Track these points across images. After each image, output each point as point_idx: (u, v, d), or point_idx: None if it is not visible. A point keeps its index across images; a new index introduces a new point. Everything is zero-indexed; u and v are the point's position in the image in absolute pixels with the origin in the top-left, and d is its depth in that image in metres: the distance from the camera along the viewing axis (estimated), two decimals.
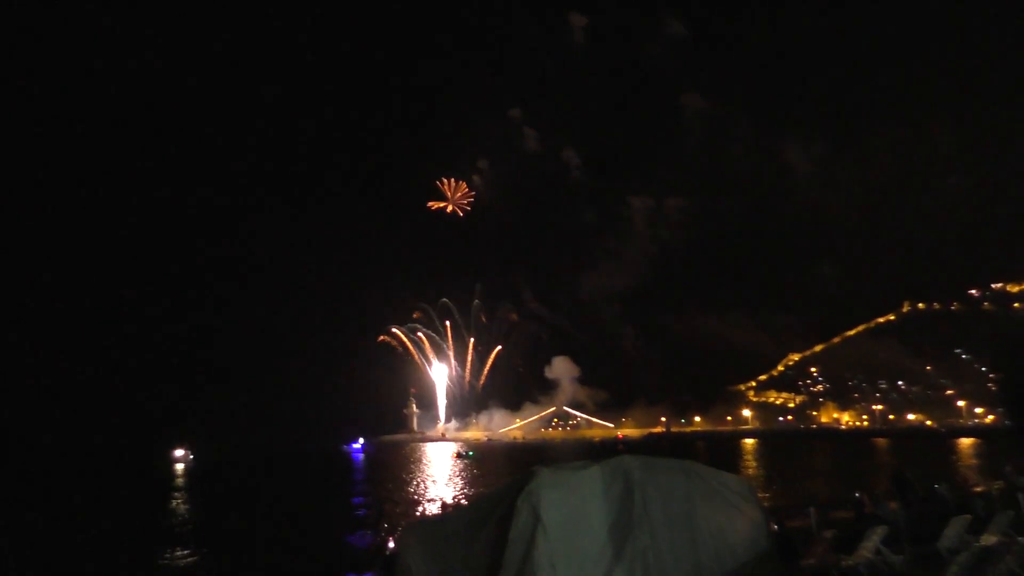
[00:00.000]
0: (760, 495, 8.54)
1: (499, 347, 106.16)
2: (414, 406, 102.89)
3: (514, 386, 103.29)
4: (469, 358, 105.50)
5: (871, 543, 8.17)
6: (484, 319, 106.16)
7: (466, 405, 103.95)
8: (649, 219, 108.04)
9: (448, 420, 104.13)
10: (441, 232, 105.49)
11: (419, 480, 37.39)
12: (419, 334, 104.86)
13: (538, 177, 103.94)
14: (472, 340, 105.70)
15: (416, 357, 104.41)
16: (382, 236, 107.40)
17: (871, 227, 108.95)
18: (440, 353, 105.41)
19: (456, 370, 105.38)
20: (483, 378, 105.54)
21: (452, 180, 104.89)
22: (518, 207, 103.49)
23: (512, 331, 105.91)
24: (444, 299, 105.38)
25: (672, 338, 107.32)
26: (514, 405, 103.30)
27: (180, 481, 51.61)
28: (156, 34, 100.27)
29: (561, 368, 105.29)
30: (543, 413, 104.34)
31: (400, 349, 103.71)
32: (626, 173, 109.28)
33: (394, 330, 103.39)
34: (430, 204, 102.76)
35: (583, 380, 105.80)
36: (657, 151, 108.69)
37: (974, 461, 41.28)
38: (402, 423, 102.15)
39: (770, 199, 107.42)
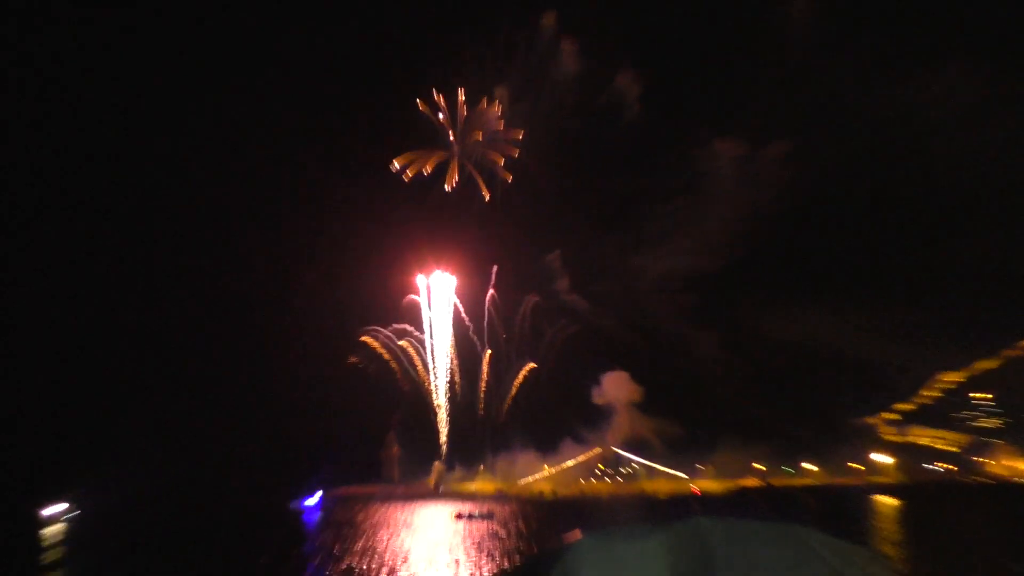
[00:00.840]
0: None
1: (531, 364, 79.74)
2: (395, 446, 77.11)
3: (545, 416, 75.11)
4: (483, 375, 79.69)
5: None
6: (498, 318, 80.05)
7: (475, 444, 76.50)
8: (738, 175, 78.77)
9: (448, 466, 78.15)
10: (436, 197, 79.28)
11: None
12: (405, 341, 79.24)
13: (580, 113, 76.95)
14: (489, 352, 79.94)
15: (397, 372, 78.45)
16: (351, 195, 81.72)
17: None
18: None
19: (462, 392, 78.93)
20: (506, 405, 78.75)
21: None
22: (550, 159, 75.78)
23: (546, 341, 79.37)
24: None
25: (768, 347, 77.49)
26: (547, 445, 76.39)
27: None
28: None
29: (615, 389, 78.19)
30: (583, 457, 77.56)
31: (380, 356, 78.81)
32: (707, 107, 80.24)
33: (374, 330, 78.80)
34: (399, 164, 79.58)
35: (645, 408, 77.60)
36: (752, 75, 78.87)
37: None
38: (377, 469, 76.25)
39: (909, 148, 75.84)
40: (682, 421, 76.53)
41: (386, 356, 77.37)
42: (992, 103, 75.83)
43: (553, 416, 74.72)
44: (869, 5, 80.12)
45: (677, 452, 76.70)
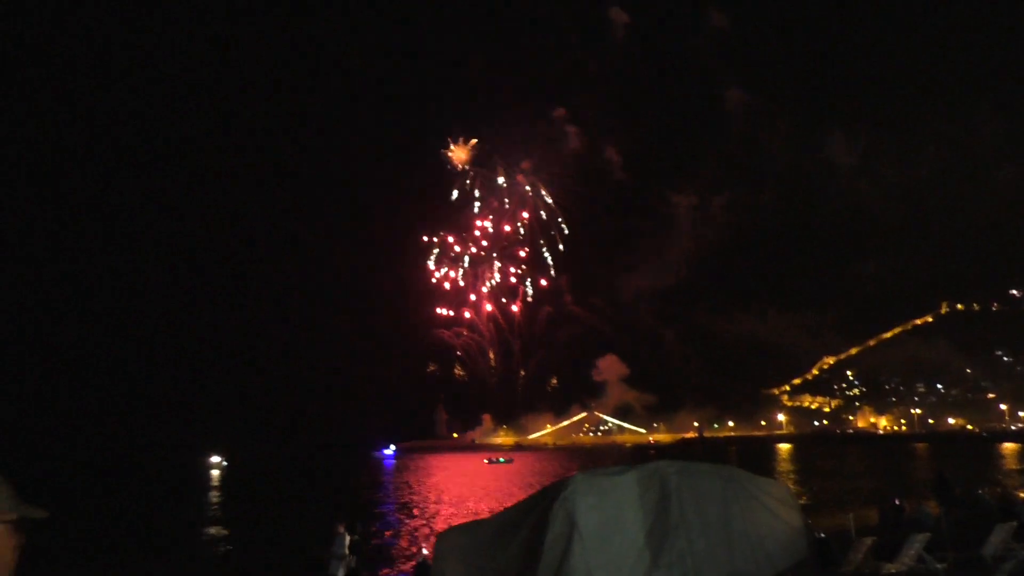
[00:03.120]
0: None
1: (541, 351, 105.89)
2: (443, 410, 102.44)
3: (558, 389, 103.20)
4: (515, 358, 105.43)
5: (913, 550, 8.22)
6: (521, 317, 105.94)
7: (502, 409, 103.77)
8: (691, 217, 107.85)
9: (480, 425, 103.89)
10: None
11: (452, 489, 37.09)
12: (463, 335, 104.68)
13: (581, 176, 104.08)
14: (519, 345, 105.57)
15: (463, 354, 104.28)
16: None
17: (913, 224, 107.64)
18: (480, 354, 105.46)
19: (495, 372, 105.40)
20: (522, 381, 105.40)
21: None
22: (561, 207, 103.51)
23: (554, 333, 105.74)
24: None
25: (713, 339, 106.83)
26: (559, 409, 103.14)
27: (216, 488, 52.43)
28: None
29: (610, 368, 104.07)
30: (575, 418, 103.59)
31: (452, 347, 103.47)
32: (669, 170, 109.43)
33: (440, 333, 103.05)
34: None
35: (630, 382, 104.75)
36: (700, 147, 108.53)
37: (1017, 466, 40.35)
38: (430, 429, 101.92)
39: (813, 195, 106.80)
40: (656, 392, 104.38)
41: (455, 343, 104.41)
42: (875, 162, 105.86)
43: (564, 389, 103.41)
44: (789, 90, 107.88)
45: (654, 414, 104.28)
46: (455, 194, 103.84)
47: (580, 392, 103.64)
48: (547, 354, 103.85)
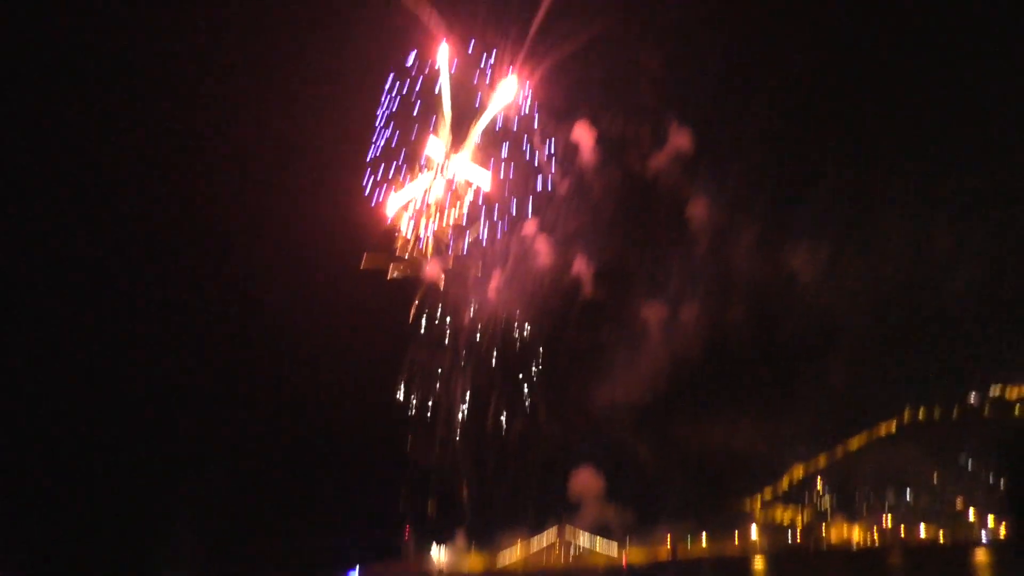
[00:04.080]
0: None
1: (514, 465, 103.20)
2: (409, 531, 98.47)
3: (532, 506, 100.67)
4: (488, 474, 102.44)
5: None
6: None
7: (474, 527, 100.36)
8: (662, 329, 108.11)
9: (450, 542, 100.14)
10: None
11: None
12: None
13: (550, 290, 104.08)
14: (491, 460, 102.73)
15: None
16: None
17: (875, 333, 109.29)
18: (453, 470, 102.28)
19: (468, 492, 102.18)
20: (495, 498, 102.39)
21: None
22: (531, 322, 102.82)
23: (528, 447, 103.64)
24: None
25: (687, 451, 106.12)
26: (534, 525, 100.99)
27: None
28: None
29: (585, 483, 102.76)
30: (544, 544, 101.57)
31: None
32: (638, 284, 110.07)
33: None
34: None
35: (607, 496, 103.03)
36: (667, 261, 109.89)
37: None
38: (395, 547, 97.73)
39: (779, 304, 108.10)
40: (631, 506, 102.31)
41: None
42: (834, 273, 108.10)
43: (533, 506, 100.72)
44: (747, 206, 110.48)
45: (626, 531, 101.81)
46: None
47: (555, 508, 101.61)
48: (521, 469, 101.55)
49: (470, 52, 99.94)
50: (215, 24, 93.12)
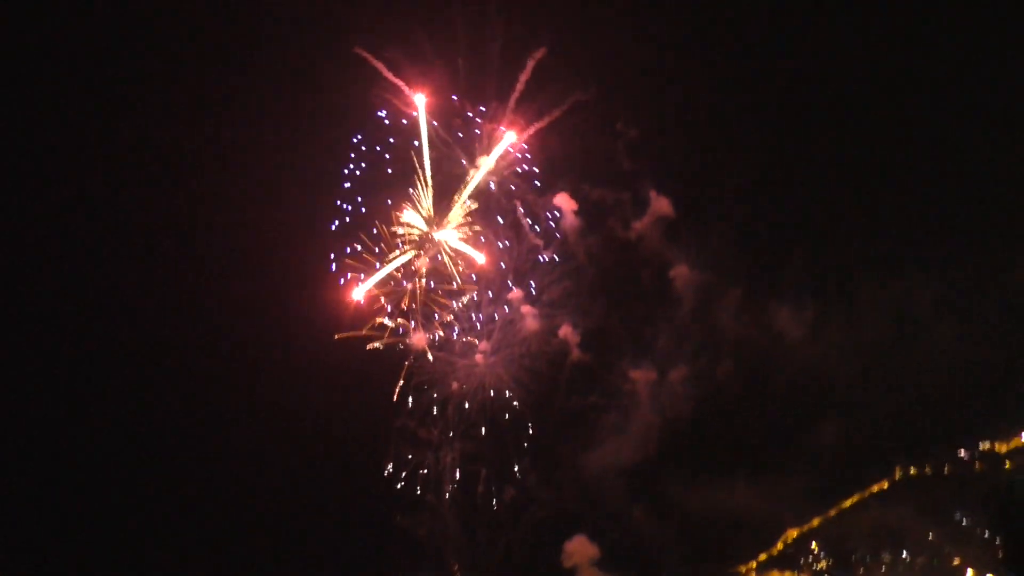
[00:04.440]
0: None
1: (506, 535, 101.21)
2: None
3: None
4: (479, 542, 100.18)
5: None
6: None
7: None
8: (651, 391, 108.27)
9: None
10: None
11: None
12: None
13: (538, 357, 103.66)
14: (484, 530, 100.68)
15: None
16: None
17: (862, 390, 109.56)
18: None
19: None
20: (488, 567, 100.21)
21: None
22: (520, 389, 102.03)
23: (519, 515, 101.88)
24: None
25: (681, 515, 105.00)
26: None
27: None
28: None
29: (579, 551, 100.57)
30: None
31: None
32: (625, 347, 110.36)
33: None
34: None
35: (601, 564, 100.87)
36: (653, 323, 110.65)
37: None
38: None
39: (766, 364, 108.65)
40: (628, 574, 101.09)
41: None
42: (820, 331, 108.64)
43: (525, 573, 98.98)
44: (730, 268, 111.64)
45: None
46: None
47: None
48: (512, 538, 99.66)
49: (455, 102, 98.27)
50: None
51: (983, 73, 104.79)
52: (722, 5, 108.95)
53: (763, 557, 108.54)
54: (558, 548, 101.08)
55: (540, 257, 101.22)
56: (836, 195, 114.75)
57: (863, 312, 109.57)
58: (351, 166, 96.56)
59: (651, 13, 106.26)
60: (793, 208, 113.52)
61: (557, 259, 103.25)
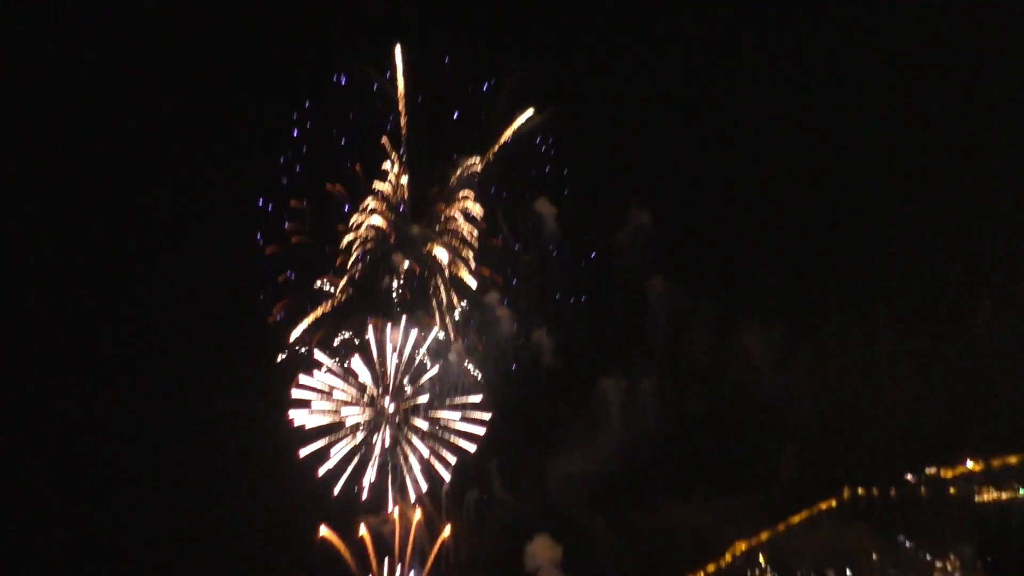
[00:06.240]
0: None
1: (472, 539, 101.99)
2: None
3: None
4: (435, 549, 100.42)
5: None
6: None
7: None
8: (620, 402, 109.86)
9: None
10: None
11: None
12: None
13: (511, 360, 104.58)
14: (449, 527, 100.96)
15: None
16: None
17: (822, 414, 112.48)
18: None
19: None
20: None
21: None
22: (490, 390, 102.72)
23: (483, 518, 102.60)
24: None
25: (639, 526, 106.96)
26: None
27: None
28: None
29: (542, 552, 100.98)
30: None
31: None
32: (598, 355, 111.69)
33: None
34: None
35: (565, 567, 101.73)
36: (627, 333, 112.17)
37: None
38: None
39: (733, 382, 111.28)
40: None
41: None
42: (789, 354, 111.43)
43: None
44: (708, 282, 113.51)
45: None
46: None
47: None
48: (478, 541, 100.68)
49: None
50: None
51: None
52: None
53: (711, 568, 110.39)
54: (520, 551, 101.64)
55: (515, 260, 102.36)
56: (817, 227, 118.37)
57: (827, 342, 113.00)
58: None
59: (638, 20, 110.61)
60: (773, 234, 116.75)
61: (534, 263, 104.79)
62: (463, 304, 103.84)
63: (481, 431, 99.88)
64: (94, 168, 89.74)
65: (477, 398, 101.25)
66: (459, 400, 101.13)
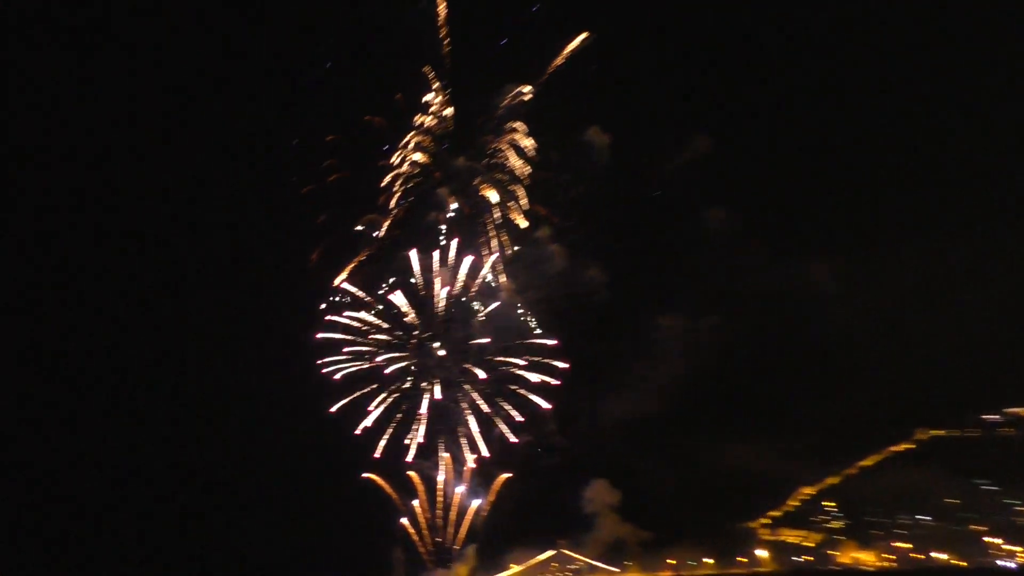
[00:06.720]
0: None
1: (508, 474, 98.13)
2: (400, 551, 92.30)
3: (543, 524, 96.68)
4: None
5: None
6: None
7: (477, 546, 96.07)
8: (679, 340, 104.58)
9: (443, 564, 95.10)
10: None
11: None
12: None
13: (564, 298, 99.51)
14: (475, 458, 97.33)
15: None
16: None
17: (888, 351, 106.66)
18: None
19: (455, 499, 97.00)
20: (485, 511, 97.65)
21: None
22: (544, 329, 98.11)
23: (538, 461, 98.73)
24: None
25: (697, 469, 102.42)
26: (543, 546, 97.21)
27: None
28: None
29: (599, 497, 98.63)
30: (541, 557, 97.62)
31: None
32: (655, 292, 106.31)
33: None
34: None
35: (622, 513, 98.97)
36: (685, 268, 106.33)
37: None
38: (388, 570, 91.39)
39: (793, 318, 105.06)
40: (647, 526, 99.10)
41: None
42: (853, 286, 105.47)
43: (544, 524, 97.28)
44: (765, 215, 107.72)
45: (649, 551, 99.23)
46: None
47: (568, 526, 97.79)
48: (531, 485, 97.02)
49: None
50: None
51: None
52: None
53: (776, 514, 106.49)
54: (578, 494, 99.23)
55: (567, 193, 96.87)
56: (872, 152, 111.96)
57: (893, 271, 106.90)
58: None
59: None
60: (829, 160, 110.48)
61: (587, 201, 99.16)
62: (513, 243, 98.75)
63: (556, 382, 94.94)
64: (123, 117, 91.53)
65: (551, 341, 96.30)
66: (527, 343, 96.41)
